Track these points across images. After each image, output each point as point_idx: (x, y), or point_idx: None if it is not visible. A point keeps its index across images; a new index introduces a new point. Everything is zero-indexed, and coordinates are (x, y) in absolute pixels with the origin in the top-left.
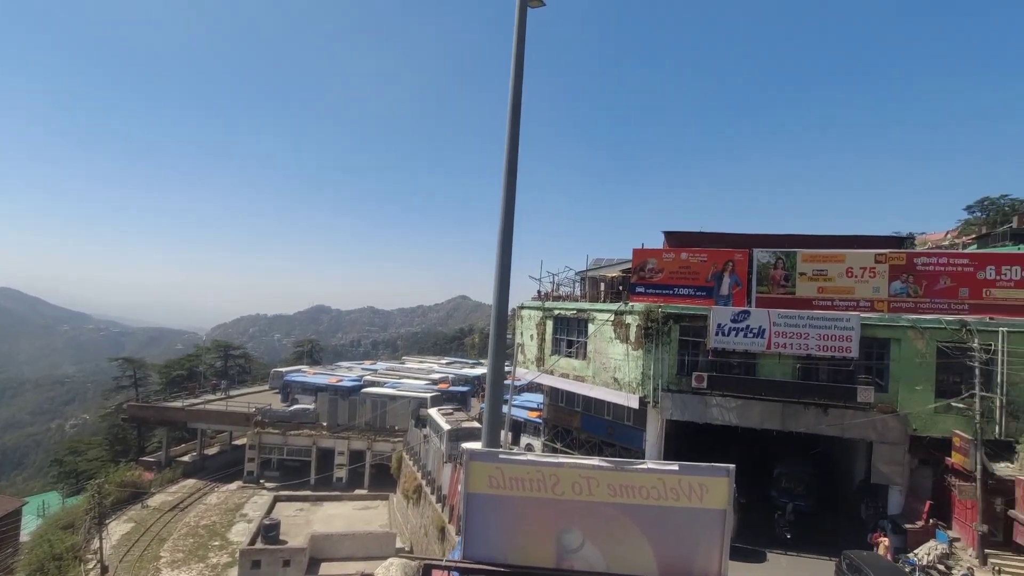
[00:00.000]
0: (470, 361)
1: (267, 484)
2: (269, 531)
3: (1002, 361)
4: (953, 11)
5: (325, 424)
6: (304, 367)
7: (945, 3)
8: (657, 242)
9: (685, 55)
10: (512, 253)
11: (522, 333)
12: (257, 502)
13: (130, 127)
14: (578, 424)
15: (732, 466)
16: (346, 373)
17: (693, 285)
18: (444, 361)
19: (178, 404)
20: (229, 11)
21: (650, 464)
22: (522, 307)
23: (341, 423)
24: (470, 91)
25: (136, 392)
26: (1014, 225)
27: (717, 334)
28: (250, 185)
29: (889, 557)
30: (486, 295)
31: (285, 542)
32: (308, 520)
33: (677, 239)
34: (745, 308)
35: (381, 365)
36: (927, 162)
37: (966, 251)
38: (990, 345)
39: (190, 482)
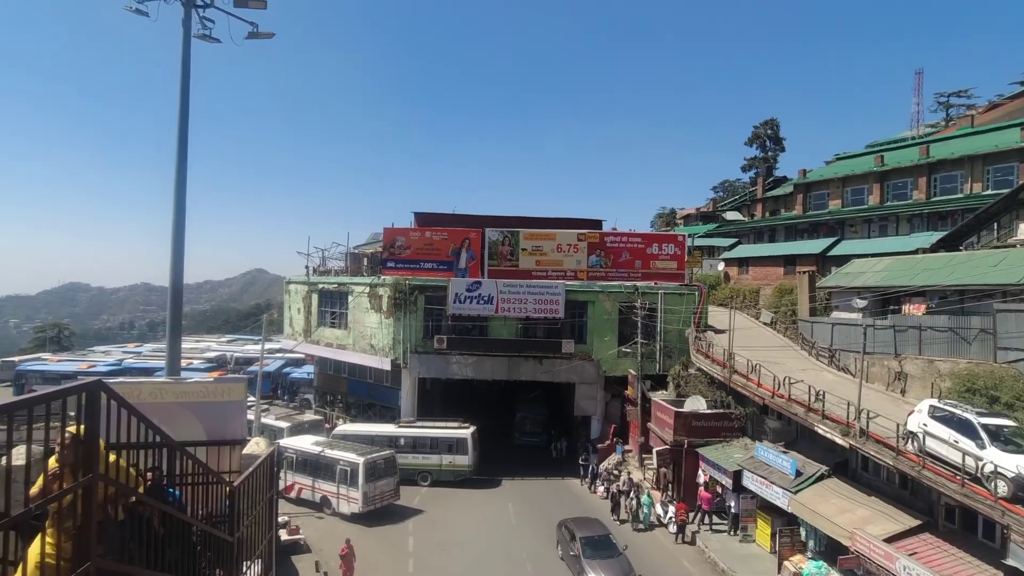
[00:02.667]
0: (255, 337)
1: None
2: None
3: (661, 316)
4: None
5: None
6: (46, 354)
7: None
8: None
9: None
10: (185, 231)
11: (290, 307)
12: None
13: None
14: (345, 389)
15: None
16: (101, 358)
17: (436, 260)
18: (225, 339)
19: None
20: None
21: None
22: (289, 281)
23: None
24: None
25: None
26: (726, 205)
27: (455, 302)
28: None
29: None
30: (284, 268)
31: None
32: None
33: (424, 219)
34: (478, 279)
35: (148, 347)
36: (685, 149)
37: (638, 232)
38: (654, 304)
39: None
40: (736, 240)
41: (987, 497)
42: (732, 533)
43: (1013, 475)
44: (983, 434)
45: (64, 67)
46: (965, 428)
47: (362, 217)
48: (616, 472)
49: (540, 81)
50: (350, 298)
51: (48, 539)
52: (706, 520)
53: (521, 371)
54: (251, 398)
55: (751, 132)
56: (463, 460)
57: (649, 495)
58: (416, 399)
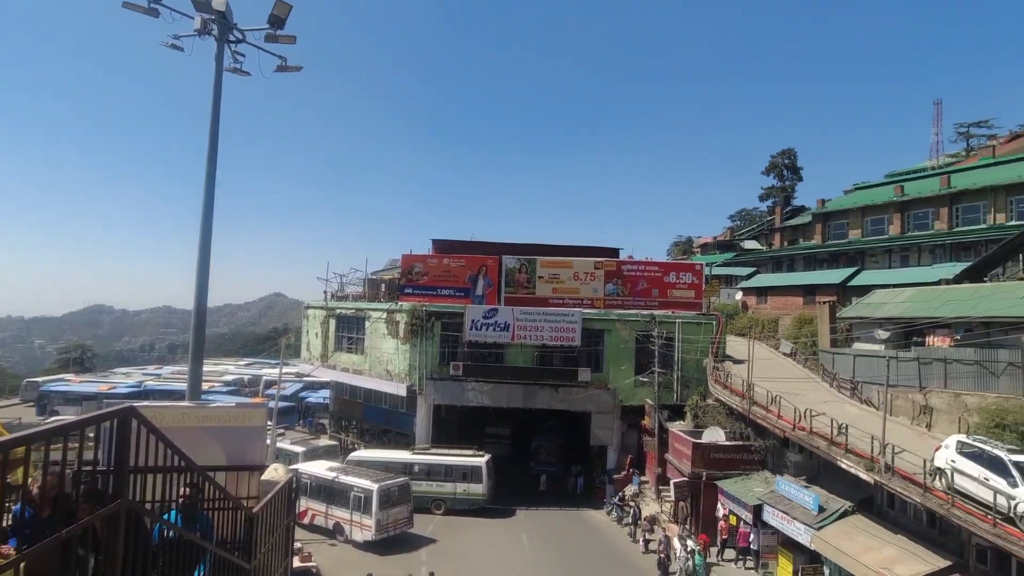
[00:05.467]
0: (273, 361)
1: None
2: None
3: (678, 345)
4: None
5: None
6: (69, 375)
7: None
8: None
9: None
10: (211, 259)
11: (308, 331)
12: None
13: None
14: (360, 414)
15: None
16: (123, 379)
17: (453, 286)
18: (243, 362)
19: None
20: None
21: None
22: (308, 306)
23: None
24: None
25: None
26: (744, 234)
27: (472, 328)
28: None
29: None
30: (303, 292)
31: None
32: None
33: (442, 246)
34: (495, 306)
35: (167, 369)
36: (702, 178)
37: (655, 261)
38: (672, 333)
39: None
40: (754, 269)
41: (1021, 538)
42: (745, 567)
43: None
44: (1015, 472)
45: (93, 94)
46: (996, 465)
47: (381, 243)
48: (635, 503)
49: (558, 114)
50: (367, 323)
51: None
52: (739, 557)
53: (537, 399)
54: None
55: (768, 161)
56: (478, 488)
57: (701, 553)
58: (431, 426)
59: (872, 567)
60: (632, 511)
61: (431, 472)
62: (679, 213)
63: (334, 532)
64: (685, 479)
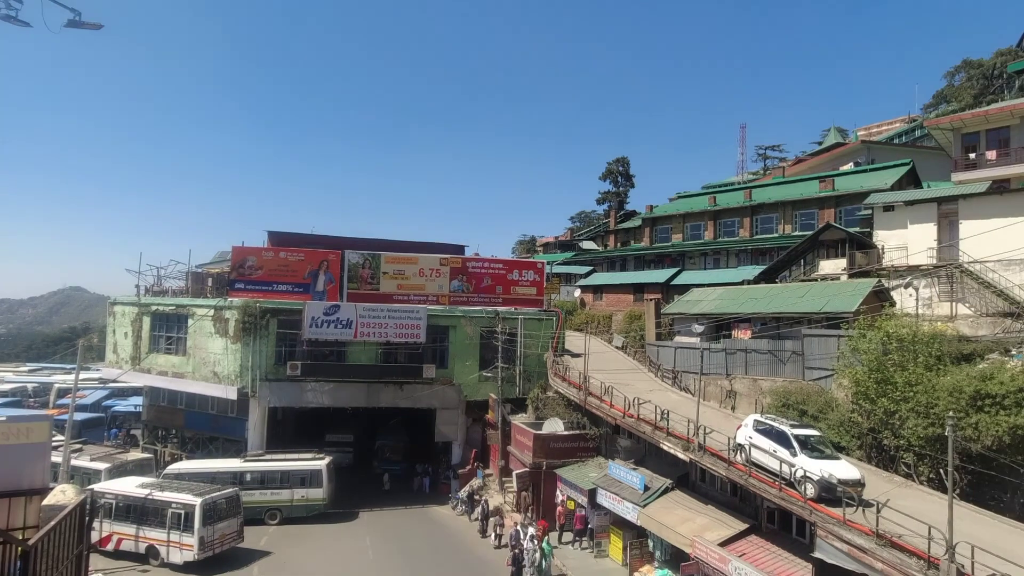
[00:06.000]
0: (68, 366)
1: None
2: None
3: (520, 340)
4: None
5: None
6: None
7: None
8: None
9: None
10: None
11: (115, 330)
12: None
13: None
14: (181, 422)
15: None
16: None
17: (291, 282)
18: (26, 368)
19: None
20: None
21: None
22: (115, 303)
23: None
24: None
25: None
26: (582, 235)
27: (311, 326)
28: None
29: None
30: (109, 286)
31: None
32: None
33: (279, 239)
34: (336, 303)
35: None
36: (548, 178)
37: (500, 258)
38: (515, 329)
39: None
40: (592, 268)
41: (799, 499)
42: (582, 548)
43: (818, 478)
44: (795, 443)
45: None
46: (781, 439)
47: (208, 234)
48: (479, 496)
49: (405, 112)
50: (191, 321)
51: None
52: (575, 539)
53: (381, 398)
54: (59, 437)
55: (605, 168)
56: (317, 493)
57: (549, 542)
58: (266, 430)
59: (687, 535)
60: (482, 507)
61: (265, 480)
62: (524, 213)
63: (147, 556)
64: (527, 469)
